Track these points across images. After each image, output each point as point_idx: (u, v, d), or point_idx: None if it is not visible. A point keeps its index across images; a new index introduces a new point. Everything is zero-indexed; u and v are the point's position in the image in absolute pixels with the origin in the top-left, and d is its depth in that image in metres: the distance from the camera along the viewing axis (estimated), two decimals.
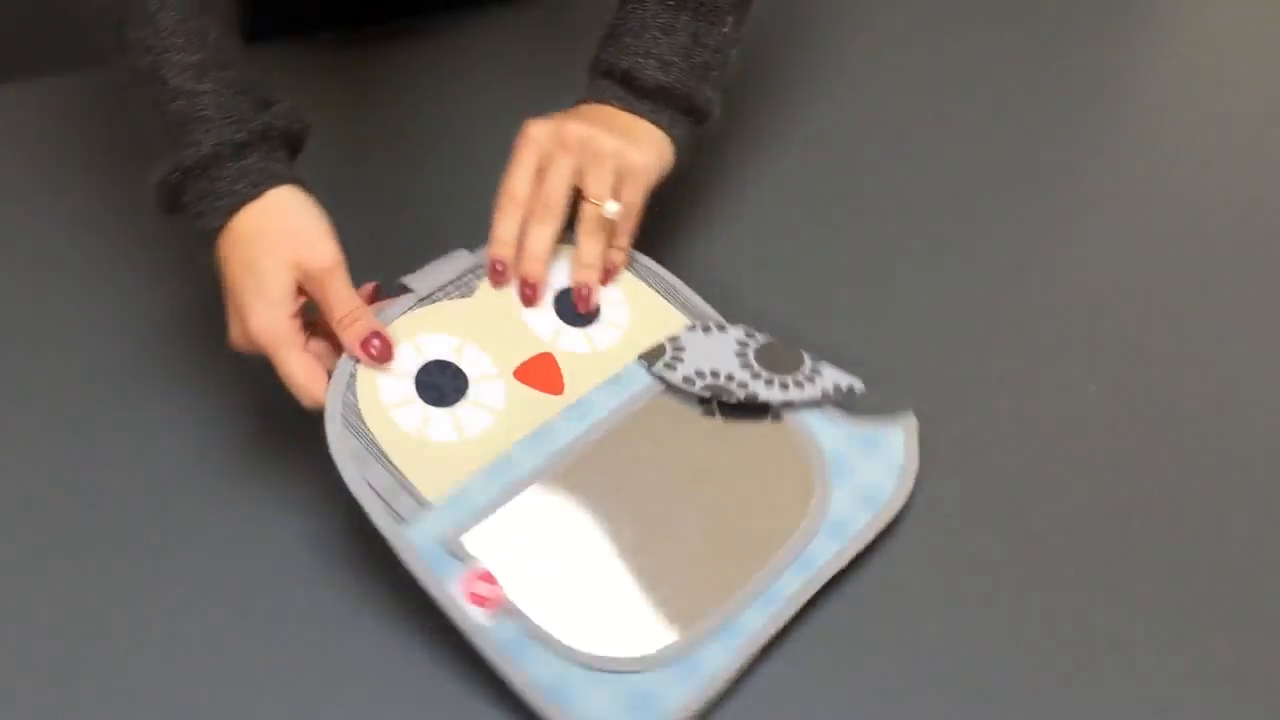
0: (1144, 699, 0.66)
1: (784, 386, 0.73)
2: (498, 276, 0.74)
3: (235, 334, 0.69)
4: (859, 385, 0.74)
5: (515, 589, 0.64)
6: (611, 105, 0.78)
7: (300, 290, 0.68)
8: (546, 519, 0.67)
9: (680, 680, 0.63)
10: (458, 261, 0.74)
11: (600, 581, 0.66)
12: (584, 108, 0.79)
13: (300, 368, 0.67)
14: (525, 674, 0.62)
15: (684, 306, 0.77)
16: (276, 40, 1.01)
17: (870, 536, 0.70)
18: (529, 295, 0.74)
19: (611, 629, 0.64)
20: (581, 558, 0.66)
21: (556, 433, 0.70)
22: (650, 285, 0.78)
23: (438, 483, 0.67)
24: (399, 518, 0.65)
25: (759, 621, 0.66)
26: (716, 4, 0.80)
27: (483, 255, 0.75)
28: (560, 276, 0.76)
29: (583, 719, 0.61)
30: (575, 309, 0.75)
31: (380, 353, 0.69)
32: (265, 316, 0.67)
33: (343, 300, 0.68)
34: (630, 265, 0.78)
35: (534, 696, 0.62)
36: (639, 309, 0.76)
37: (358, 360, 0.69)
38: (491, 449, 0.68)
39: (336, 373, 0.68)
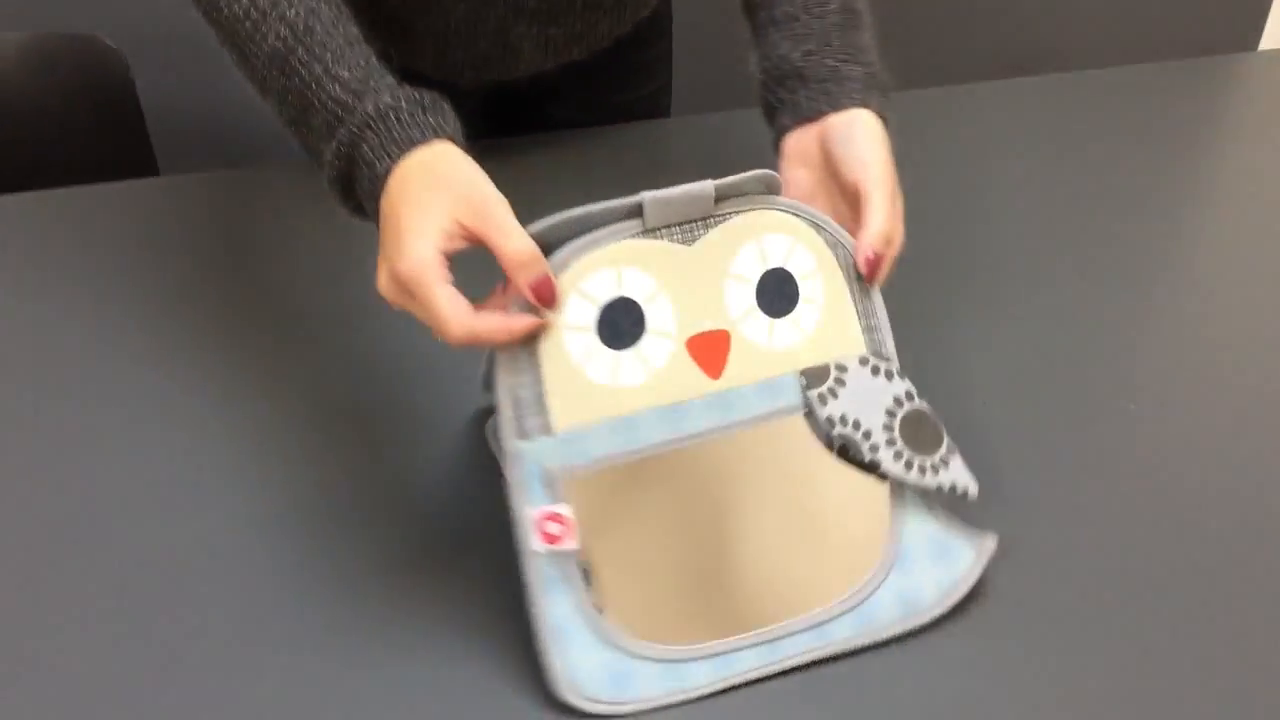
0: None
1: (908, 466, 0.73)
2: (871, 267, 0.74)
3: (382, 278, 0.69)
4: (974, 491, 0.74)
5: (578, 539, 0.68)
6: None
7: (462, 237, 0.67)
8: (635, 489, 0.71)
9: (661, 679, 0.69)
10: (700, 202, 0.72)
11: (646, 566, 0.70)
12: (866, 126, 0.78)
13: (447, 300, 0.66)
14: (544, 608, 0.68)
15: (870, 331, 0.75)
16: None
17: (890, 635, 0.72)
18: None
19: (633, 611, 0.69)
20: (642, 537, 0.71)
21: (692, 415, 0.71)
22: (852, 301, 0.75)
23: (571, 415, 0.69)
24: (523, 432, 0.69)
25: (751, 663, 0.70)
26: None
27: (723, 200, 0.72)
28: (775, 253, 0.73)
29: (572, 668, 0.68)
30: (860, 272, 0.75)
31: (547, 299, 0.67)
32: (415, 249, 0.66)
33: (512, 236, 0.66)
34: (854, 272, 0.76)
35: (542, 628, 0.68)
36: (831, 317, 0.74)
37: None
38: (629, 405, 0.70)
39: None
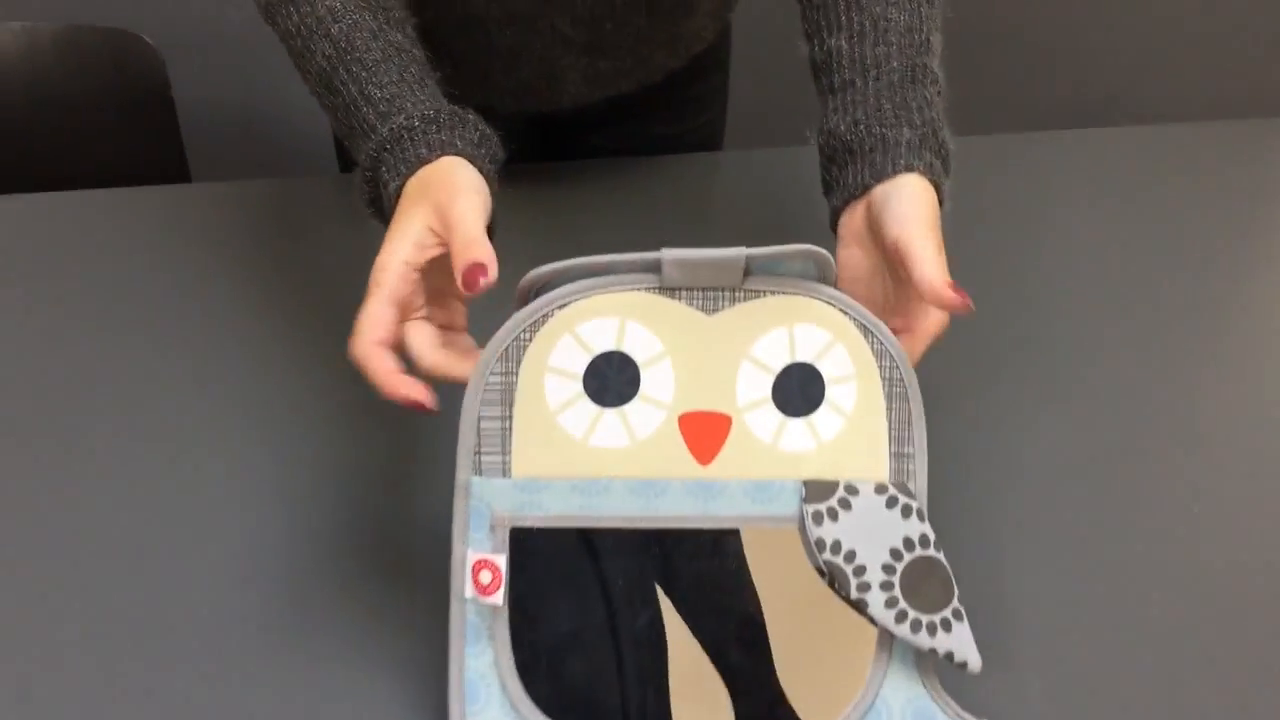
0: None
1: (900, 617, 0.65)
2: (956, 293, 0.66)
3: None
4: (975, 665, 0.65)
5: (507, 597, 0.65)
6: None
7: (437, 244, 0.67)
8: (583, 563, 0.65)
9: None
10: (727, 270, 0.65)
11: (574, 645, 0.65)
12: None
13: (369, 314, 0.65)
14: (462, 658, 0.65)
15: (900, 458, 0.67)
16: None
17: None
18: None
19: (549, 686, 0.65)
20: (580, 616, 0.65)
21: (669, 497, 0.65)
22: (887, 419, 0.67)
23: (534, 463, 0.64)
24: (479, 467, 0.64)
25: None
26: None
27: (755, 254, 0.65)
28: (807, 347, 0.66)
29: None
30: (796, 390, 0.66)
31: (470, 284, 0.63)
32: (382, 254, 0.66)
33: (459, 227, 0.65)
34: (897, 388, 0.68)
35: (454, 679, 0.65)
36: (856, 432, 0.66)
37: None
38: (601, 468, 0.65)
39: (532, 306, 0.65)
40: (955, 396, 0.89)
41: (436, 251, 0.67)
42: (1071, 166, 1.17)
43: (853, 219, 0.73)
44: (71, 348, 0.93)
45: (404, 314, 0.67)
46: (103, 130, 1.27)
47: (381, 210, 0.74)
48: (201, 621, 0.74)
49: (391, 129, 0.71)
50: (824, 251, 0.66)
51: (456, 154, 0.70)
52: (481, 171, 0.71)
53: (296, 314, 0.96)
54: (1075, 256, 1.07)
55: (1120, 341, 0.97)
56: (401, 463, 0.84)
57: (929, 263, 0.66)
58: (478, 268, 0.63)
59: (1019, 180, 1.16)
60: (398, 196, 0.70)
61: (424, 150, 0.70)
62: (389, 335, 0.66)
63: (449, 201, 0.67)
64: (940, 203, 0.72)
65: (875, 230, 0.71)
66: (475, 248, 0.64)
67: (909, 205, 0.70)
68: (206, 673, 0.71)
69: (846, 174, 0.73)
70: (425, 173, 0.70)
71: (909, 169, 0.71)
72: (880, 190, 0.71)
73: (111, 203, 1.08)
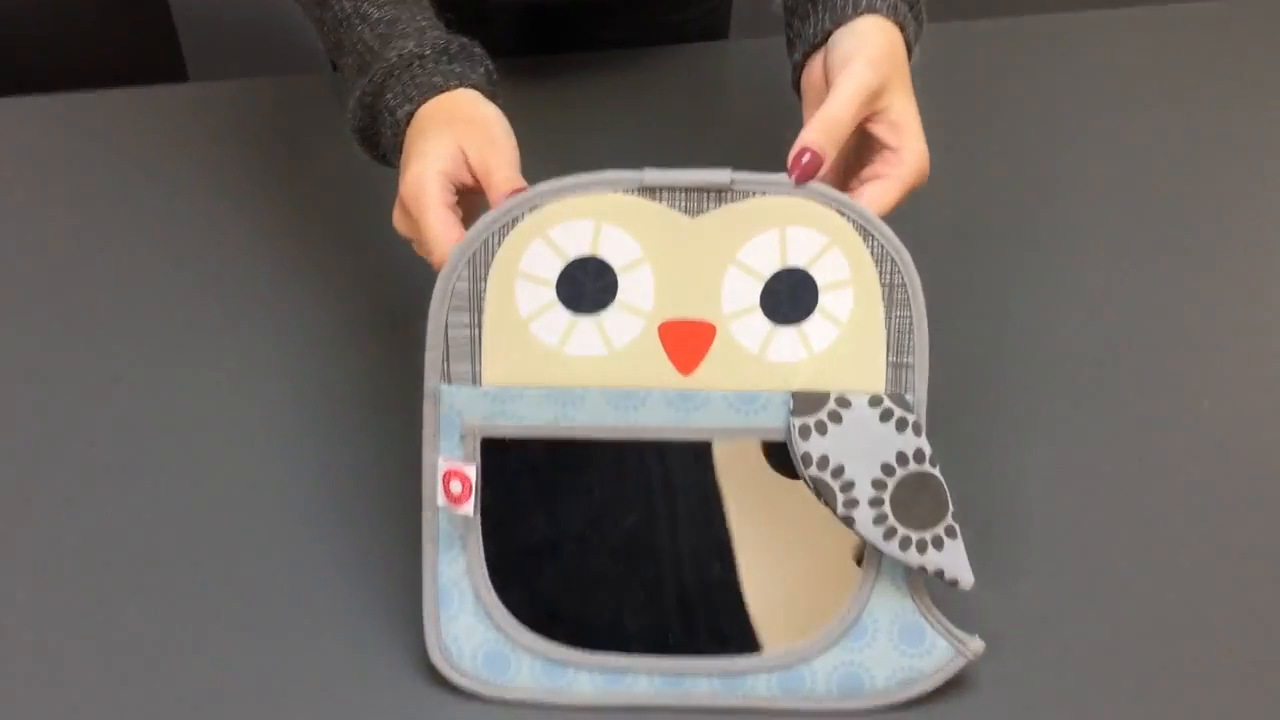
0: None
1: (889, 534, 0.62)
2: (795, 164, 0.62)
3: (395, 211, 0.66)
4: (966, 583, 0.63)
5: (480, 506, 0.63)
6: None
7: (469, 167, 0.65)
8: (558, 473, 0.64)
9: (538, 675, 0.65)
10: (712, 175, 0.62)
11: (551, 555, 0.65)
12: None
13: (439, 221, 0.63)
14: (436, 565, 0.65)
15: (898, 369, 0.63)
16: None
17: (824, 708, 0.64)
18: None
19: (525, 598, 0.64)
20: (555, 526, 0.64)
21: (648, 408, 0.63)
22: (885, 328, 0.63)
23: (505, 371, 0.63)
24: (448, 375, 0.62)
25: (646, 690, 0.65)
26: None
27: (741, 175, 0.62)
28: (800, 251, 0.62)
29: (449, 635, 0.64)
30: (787, 297, 0.63)
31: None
32: (415, 168, 0.64)
33: (506, 180, 0.63)
34: (898, 294, 0.64)
35: (429, 585, 0.65)
36: (851, 341, 0.63)
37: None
38: (576, 377, 0.62)
39: (502, 207, 0.62)
40: (961, 298, 0.86)
41: (468, 176, 0.65)
42: (1088, 53, 1.12)
43: (811, 72, 0.70)
44: (60, 256, 0.92)
45: None
46: (93, 27, 1.24)
47: (374, 138, 0.71)
48: (174, 532, 0.73)
49: (400, 55, 0.68)
50: (816, 184, 0.62)
51: (473, 86, 0.68)
52: (495, 101, 0.69)
53: (296, 210, 0.95)
54: (1091, 148, 1.02)
55: (1140, 241, 0.93)
56: (385, 372, 0.82)
57: (831, 102, 0.64)
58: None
59: (1037, 67, 1.10)
60: (407, 122, 0.68)
61: (439, 79, 0.68)
62: (463, 231, 0.64)
63: (490, 139, 0.65)
64: (909, 48, 0.68)
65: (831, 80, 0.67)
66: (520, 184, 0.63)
67: (853, 42, 0.66)
68: (182, 582, 0.71)
69: (807, 24, 0.69)
70: (446, 103, 0.67)
71: (870, 9, 0.67)
72: (837, 34, 0.67)
73: (104, 104, 1.06)
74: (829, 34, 0.68)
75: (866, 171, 0.67)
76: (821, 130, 0.63)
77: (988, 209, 0.95)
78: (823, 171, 0.63)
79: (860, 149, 0.69)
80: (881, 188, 0.66)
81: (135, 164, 1.00)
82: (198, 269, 0.91)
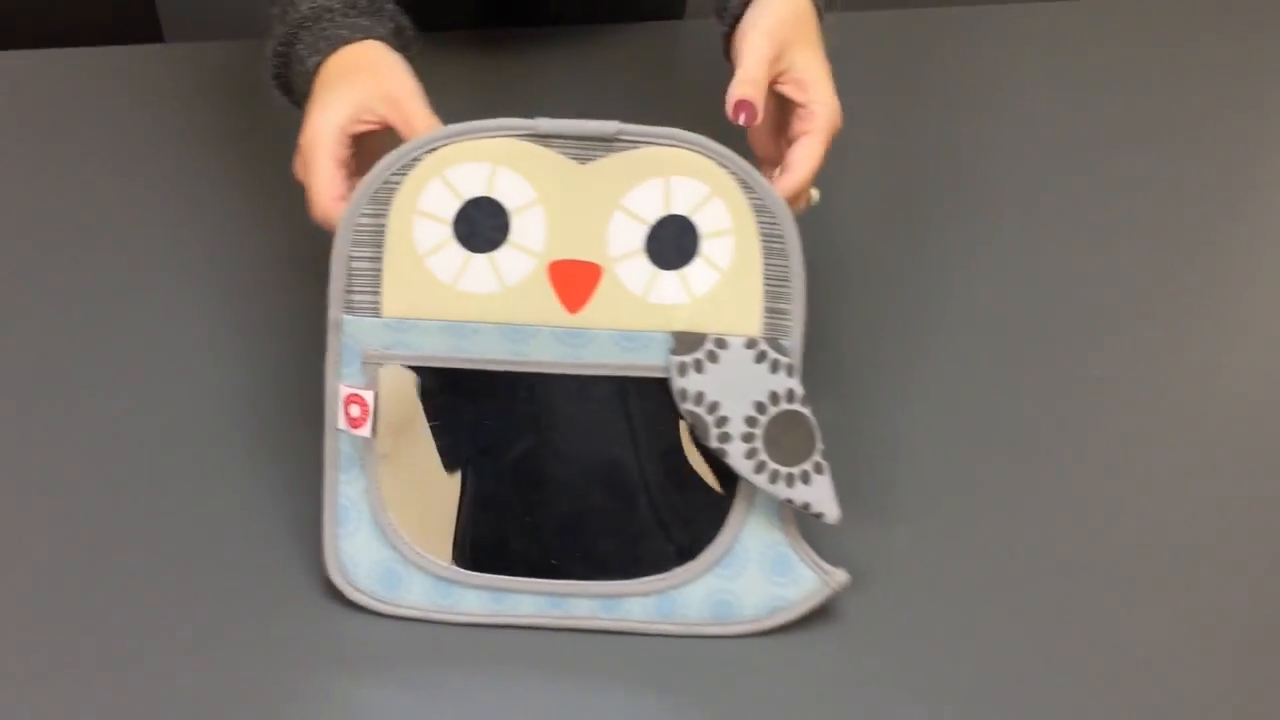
0: None
1: (759, 468, 0.66)
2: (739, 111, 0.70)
3: (296, 160, 0.69)
4: (832, 517, 0.67)
5: (377, 428, 0.67)
6: None
7: (373, 118, 0.68)
8: (453, 400, 0.67)
9: (429, 593, 0.69)
10: (600, 126, 0.65)
11: (443, 479, 0.68)
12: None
13: (326, 176, 0.67)
14: (335, 486, 0.69)
15: (775, 314, 0.67)
16: None
17: (697, 632, 0.68)
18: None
19: (416, 517, 0.68)
20: (451, 450, 0.68)
21: (536, 343, 0.67)
22: (762, 276, 0.67)
23: (403, 304, 0.66)
24: (350, 305, 0.66)
25: (530, 610, 0.69)
26: None
27: (628, 127, 0.66)
28: (683, 200, 0.66)
29: (346, 554, 0.69)
30: (670, 243, 0.67)
31: None
32: (315, 120, 0.67)
33: (424, 116, 0.67)
34: (776, 245, 0.67)
35: (328, 505, 0.69)
36: (729, 287, 0.67)
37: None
38: (469, 312, 0.66)
39: (403, 148, 0.65)
40: (880, 264, 0.89)
41: (370, 127, 0.69)
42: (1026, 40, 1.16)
43: (738, 42, 0.74)
44: (37, 216, 0.93)
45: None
46: None
47: (289, 85, 0.75)
48: (88, 442, 0.77)
49: (312, 8, 0.72)
50: (698, 137, 0.66)
51: (379, 39, 0.72)
52: (402, 54, 0.72)
53: (269, 170, 0.93)
54: (1029, 131, 1.06)
55: (1062, 216, 0.97)
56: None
57: (740, 68, 0.70)
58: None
59: (976, 55, 1.14)
60: (315, 72, 0.71)
61: (345, 32, 0.71)
62: (345, 192, 0.67)
63: (394, 82, 0.69)
64: (819, 11, 0.74)
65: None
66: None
67: (756, 13, 0.72)
68: (96, 494, 0.74)
69: None
70: (350, 53, 0.71)
71: None
72: (750, 7, 0.73)
73: (78, 62, 1.08)
74: (746, 4, 0.73)
75: (790, 132, 0.73)
76: (748, 85, 0.70)
77: (923, 183, 0.99)
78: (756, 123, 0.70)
79: (782, 111, 0.74)
80: (805, 144, 0.71)
81: (108, 123, 1.01)
82: (170, 231, 0.92)
